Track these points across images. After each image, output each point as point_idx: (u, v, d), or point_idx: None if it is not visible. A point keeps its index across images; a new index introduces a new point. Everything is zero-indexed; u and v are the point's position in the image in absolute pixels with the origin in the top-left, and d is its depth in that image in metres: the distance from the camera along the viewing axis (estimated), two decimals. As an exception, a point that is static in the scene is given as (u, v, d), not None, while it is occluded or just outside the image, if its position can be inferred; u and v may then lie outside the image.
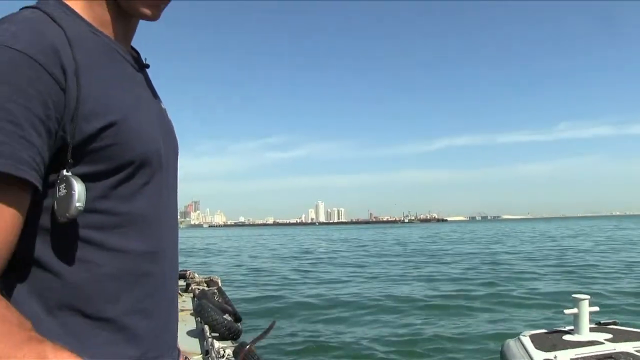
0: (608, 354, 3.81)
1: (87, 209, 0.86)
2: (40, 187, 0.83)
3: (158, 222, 1.01)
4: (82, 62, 0.88)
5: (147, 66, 1.11)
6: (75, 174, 0.86)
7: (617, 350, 3.87)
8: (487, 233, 69.59)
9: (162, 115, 1.11)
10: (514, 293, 14.08)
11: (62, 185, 0.84)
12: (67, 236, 0.89)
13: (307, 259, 29.77)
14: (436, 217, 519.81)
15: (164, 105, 1.16)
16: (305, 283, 18.25)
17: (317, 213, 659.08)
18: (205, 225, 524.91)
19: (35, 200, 0.85)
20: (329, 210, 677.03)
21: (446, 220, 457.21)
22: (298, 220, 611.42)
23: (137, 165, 0.94)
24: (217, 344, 5.30)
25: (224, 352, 5.25)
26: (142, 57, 1.12)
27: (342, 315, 11.85)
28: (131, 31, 1.07)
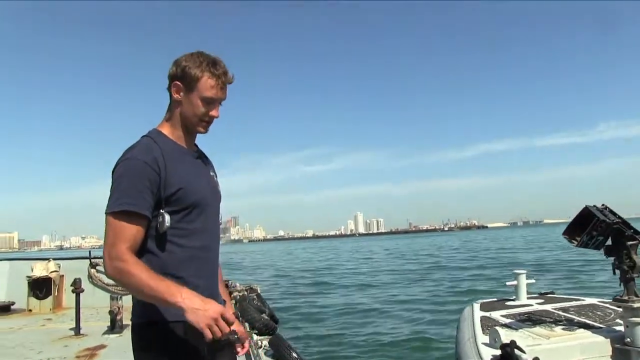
0: (530, 311, 4.75)
1: (171, 227, 1.90)
2: (150, 218, 1.87)
3: (206, 232, 2.01)
4: (168, 161, 1.90)
5: (199, 157, 2.10)
6: (166, 211, 1.87)
7: (539, 309, 4.82)
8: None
9: (211, 179, 2.12)
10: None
11: (160, 216, 1.87)
12: (162, 239, 1.92)
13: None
14: (476, 224, 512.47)
15: (214, 173, 2.17)
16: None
17: (356, 224, 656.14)
18: (245, 240, 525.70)
19: (149, 223, 1.89)
20: (368, 221, 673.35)
21: (486, 227, 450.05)
22: (337, 232, 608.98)
23: (193, 207, 1.94)
24: (255, 337, 6.23)
25: (261, 343, 6.19)
26: (201, 150, 2.17)
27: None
28: (193, 138, 2.08)
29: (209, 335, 1.67)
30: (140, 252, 1.87)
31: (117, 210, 1.80)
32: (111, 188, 1.86)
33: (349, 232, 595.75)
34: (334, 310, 14.59)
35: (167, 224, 1.86)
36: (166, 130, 2.01)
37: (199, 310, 1.69)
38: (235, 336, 1.76)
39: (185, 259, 1.93)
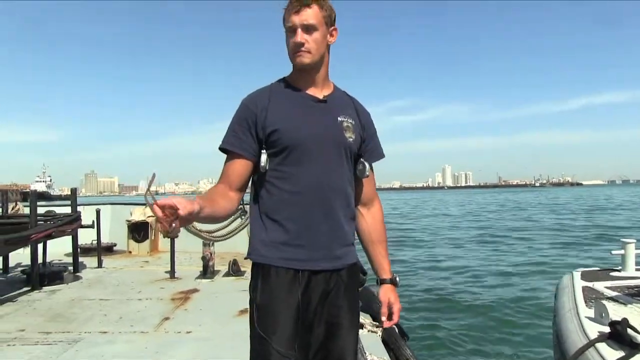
0: (637, 285, 4.35)
1: (271, 169, 1.92)
2: (246, 156, 1.93)
3: (303, 177, 1.92)
4: (272, 103, 1.95)
5: (325, 101, 2.01)
6: (267, 152, 1.91)
7: None
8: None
9: (333, 124, 1.99)
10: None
11: (261, 156, 1.91)
12: (265, 181, 1.95)
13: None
14: (570, 180, 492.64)
15: (346, 117, 2.02)
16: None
17: (443, 177, 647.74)
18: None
19: (251, 163, 1.95)
20: (456, 174, 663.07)
21: (581, 184, 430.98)
22: (424, 184, 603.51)
23: (291, 149, 1.91)
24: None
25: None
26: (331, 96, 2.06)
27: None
28: (311, 80, 2.01)
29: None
30: (255, 195, 2.01)
31: (219, 149, 1.98)
32: None
33: (436, 185, 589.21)
34: (421, 263, 14.63)
35: (262, 164, 1.91)
36: (289, 77, 2.06)
37: None
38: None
39: (282, 202, 1.93)
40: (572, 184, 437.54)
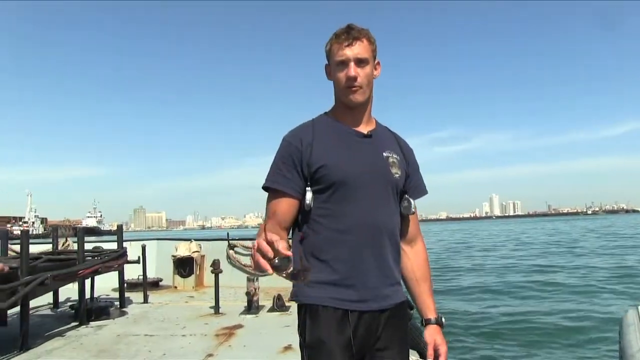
0: None
1: (316, 206, 1.86)
2: (292, 194, 1.88)
3: (350, 214, 1.86)
4: (317, 139, 1.90)
5: (370, 136, 1.97)
6: (312, 189, 1.85)
7: None
8: None
9: (379, 160, 1.94)
10: None
11: (307, 194, 1.85)
12: (310, 219, 1.89)
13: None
14: (624, 207, 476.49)
15: (391, 153, 1.97)
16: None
17: (491, 206, 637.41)
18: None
19: (297, 201, 1.89)
20: (503, 203, 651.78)
21: (638, 211, 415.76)
22: (472, 215, 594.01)
23: (337, 185, 1.85)
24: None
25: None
26: (375, 131, 2.01)
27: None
28: (359, 115, 1.98)
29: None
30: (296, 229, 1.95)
31: (263, 187, 1.93)
32: None
33: (484, 215, 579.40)
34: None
35: (307, 202, 1.85)
36: (331, 112, 2.02)
37: None
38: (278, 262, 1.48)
39: (328, 241, 1.86)
40: (627, 211, 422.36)
